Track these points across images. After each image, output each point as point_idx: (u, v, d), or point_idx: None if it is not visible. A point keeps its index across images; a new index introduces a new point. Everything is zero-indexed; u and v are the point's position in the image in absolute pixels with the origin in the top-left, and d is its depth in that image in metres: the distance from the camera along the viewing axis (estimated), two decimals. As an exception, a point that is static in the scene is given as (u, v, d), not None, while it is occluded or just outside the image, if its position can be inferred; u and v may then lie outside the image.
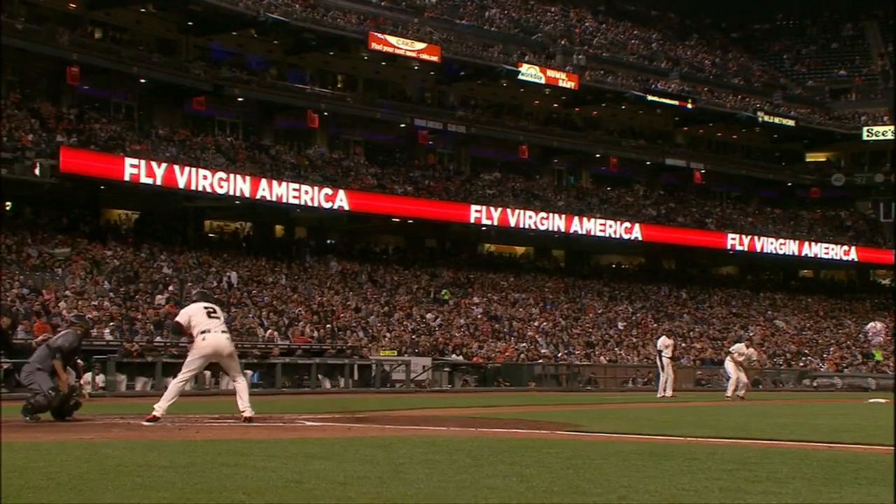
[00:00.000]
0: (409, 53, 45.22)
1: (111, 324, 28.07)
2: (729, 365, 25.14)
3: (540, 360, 37.92)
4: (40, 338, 16.17)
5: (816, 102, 63.23)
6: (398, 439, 9.36)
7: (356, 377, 30.02)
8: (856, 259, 56.45)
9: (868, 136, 59.40)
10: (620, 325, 45.60)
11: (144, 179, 34.83)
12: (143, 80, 39.94)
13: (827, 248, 55.53)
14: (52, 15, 38.49)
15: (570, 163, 54.98)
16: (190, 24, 41.73)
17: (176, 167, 35.95)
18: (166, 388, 13.20)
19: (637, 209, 52.55)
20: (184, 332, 12.27)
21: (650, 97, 53.06)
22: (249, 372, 27.43)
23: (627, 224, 49.06)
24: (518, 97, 52.06)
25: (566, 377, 37.16)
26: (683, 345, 42.84)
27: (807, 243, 55.14)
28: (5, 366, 21.31)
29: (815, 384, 42.05)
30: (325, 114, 44.69)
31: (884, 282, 60.35)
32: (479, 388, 33.11)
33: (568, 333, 42.48)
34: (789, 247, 54.46)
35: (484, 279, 45.88)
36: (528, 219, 45.86)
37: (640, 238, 49.42)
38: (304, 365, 29.17)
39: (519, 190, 49.41)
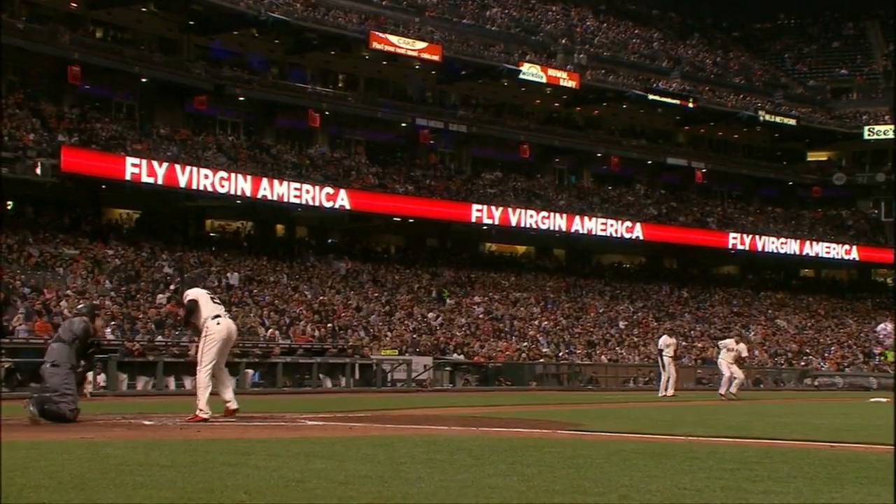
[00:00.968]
0: (410, 53, 45.24)
1: (112, 323, 28.06)
2: (722, 362, 25.09)
3: (541, 360, 37.95)
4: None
5: (818, 102, 63.20)
6: (399, 438, 9.35)
7: (357, 376, 30.04)
8: (857, 258, 56.47)
9: (869, 135, 59.42)
10: (622, 324, 45.60)
11: (146, 179, 34.88)
12: (144, 80, 40.00)
13: (828, 248, 55.54)
14: (54, 14, 38.53)
15: (572, 162, 54.98)
16: (191, 23, 41.81)
17: (177, 166, 36.00)
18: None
19: (638, 208, 52.55)
20: (198, 312, 12.12)
21: (651, 96, 53.07)
22: (250, 371, 27.49)
23: (628, 223, 49.08)
24: (519, 96, 52.05)
25: (567, 376, 37.19)
26: (684, 344, 42.81)
27: (808, 242, 55.13)
28: (6, 365, 21.31)
29: (816, 383, 42.03)
30: (327, 113, 44.71)
31: (885, 281, 60.32)
32: (481, 387, 33.12)
33: (569, 333, 42.48)
34: (790, 246, 54.46)
35: (485, 278, 45.88)
36: (529, 218, 45.87)
37: (641, 237, 49.44)
38: (305, 364, 29.20)
39: (520, 189, 49.41)
